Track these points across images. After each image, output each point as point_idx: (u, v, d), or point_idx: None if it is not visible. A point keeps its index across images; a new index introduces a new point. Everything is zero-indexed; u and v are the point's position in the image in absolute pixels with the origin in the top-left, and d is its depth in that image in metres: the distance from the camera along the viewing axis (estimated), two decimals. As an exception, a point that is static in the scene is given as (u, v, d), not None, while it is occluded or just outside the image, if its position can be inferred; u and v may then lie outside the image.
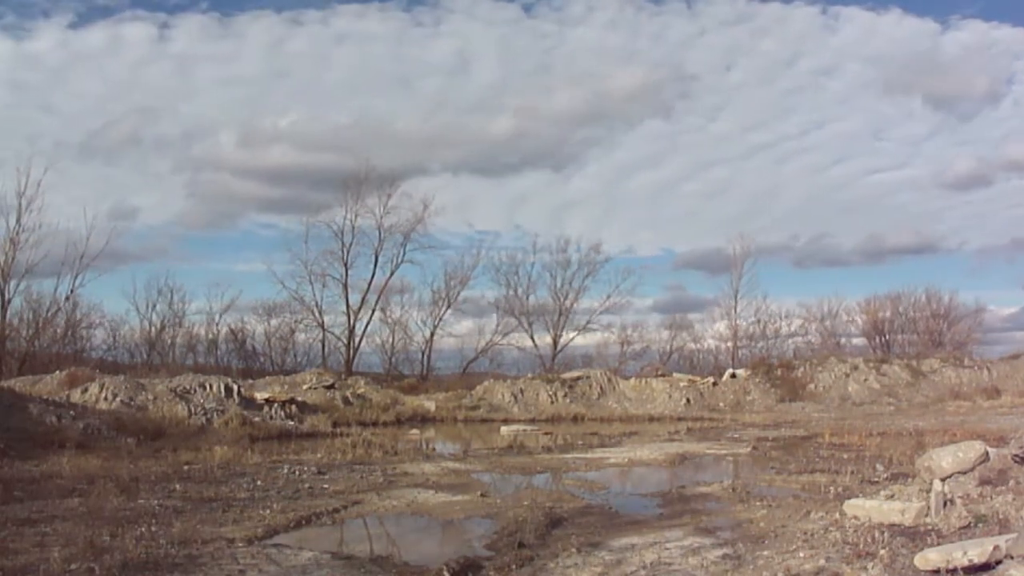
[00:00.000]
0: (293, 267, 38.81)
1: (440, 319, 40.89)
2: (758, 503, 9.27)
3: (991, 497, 6.79)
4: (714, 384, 30.75)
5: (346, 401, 25.47)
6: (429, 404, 27.10)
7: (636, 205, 70.93)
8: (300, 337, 40.13)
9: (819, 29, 71.75)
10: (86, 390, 19.61)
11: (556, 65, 71.74)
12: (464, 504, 9.94)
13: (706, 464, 14.52)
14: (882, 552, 6.02)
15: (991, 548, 5.17)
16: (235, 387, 21.85)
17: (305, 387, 25.84)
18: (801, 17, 71.32)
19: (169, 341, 38.56)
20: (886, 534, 6.51)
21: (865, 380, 31.05)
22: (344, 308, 39.15)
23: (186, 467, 12.60)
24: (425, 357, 40.90)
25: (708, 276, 79.44)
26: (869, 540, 6.41)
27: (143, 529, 7.64)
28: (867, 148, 72.69)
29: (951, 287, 45.77)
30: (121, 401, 19.18)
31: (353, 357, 38.86)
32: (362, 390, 27.09)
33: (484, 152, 68.34)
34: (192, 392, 20.78)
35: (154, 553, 6.71)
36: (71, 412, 16.85)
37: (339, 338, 39.36)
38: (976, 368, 32.08)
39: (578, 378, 30.76)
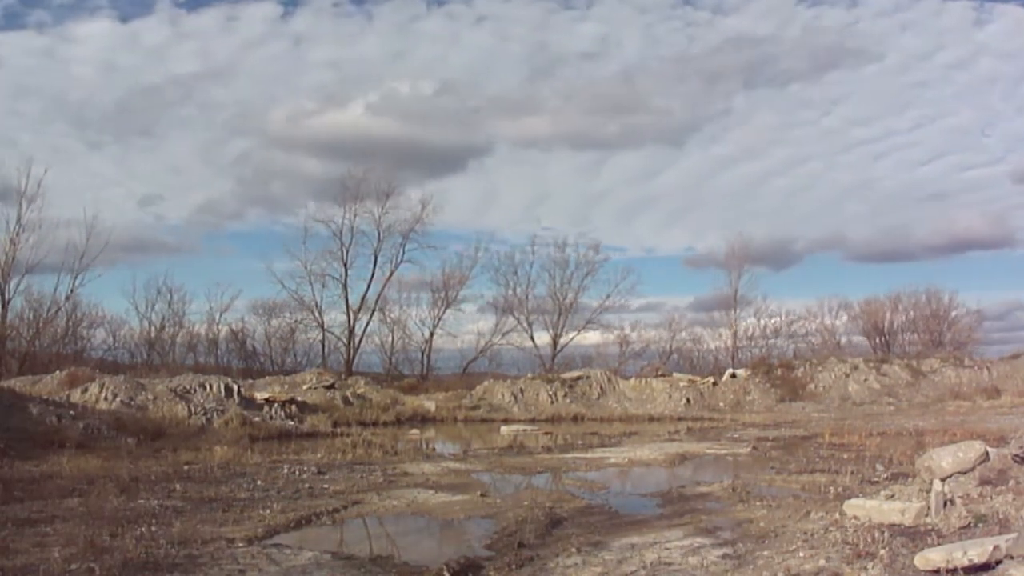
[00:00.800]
0: (292, 267, 38.89)
1: (440, 319, 40.94)
2: (758, 503, 9.26)
3: (991, 497, 6.78)
4: (714, 384, 30.76)
5: (346, 401, 25.47)
6: (429, 404, 27.10)
7: (722, 198, 71.15)
8: (300, 337, 40.20)
9: (968, 24, 71.55)
10: (86, 390, 19.61)
11: (694, 52, 71.78)
12: (464, 504, 9.93)
13: (706, 464, 14.52)
14: (882, 552, 6.02)
15: (991, 548, 5.17)
16: (235, 387, 21.85)
17: (305, 387, 25.85)
18: (955, 10, 70.73)
19: (169, 341, 38.62)
20: (886, 534, 6.51)
21: (865, 380, 31.05)
22: (344, 308, 39.25)
23: (186, 467, 12.60)
24: (425, 357, 40.97)
25: (771, 271, 75.47)
26: (869, 540, 6.41)
27: (143, 529, 7.64)
28: (972, 143, 72.56)
29: (951, 288, 45.55)
30: (121, 401, 19.18)
31: (353, 357, 38.91)
32: (362, 390, 27.10)
33: (588, 132, 69.17)
34: (192, 392, 20.78)
35: (154, 553, 6.71)
36: (71, 412, 16.85)
37: (339, 338, 39.43)
38: (976, 368, 32.07)
39: (578, 378, 30.77)
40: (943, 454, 7.44)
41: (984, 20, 74.39)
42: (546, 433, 20.85)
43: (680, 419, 25.13)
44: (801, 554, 6.29)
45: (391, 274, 39.93)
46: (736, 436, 18.99)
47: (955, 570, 5.16)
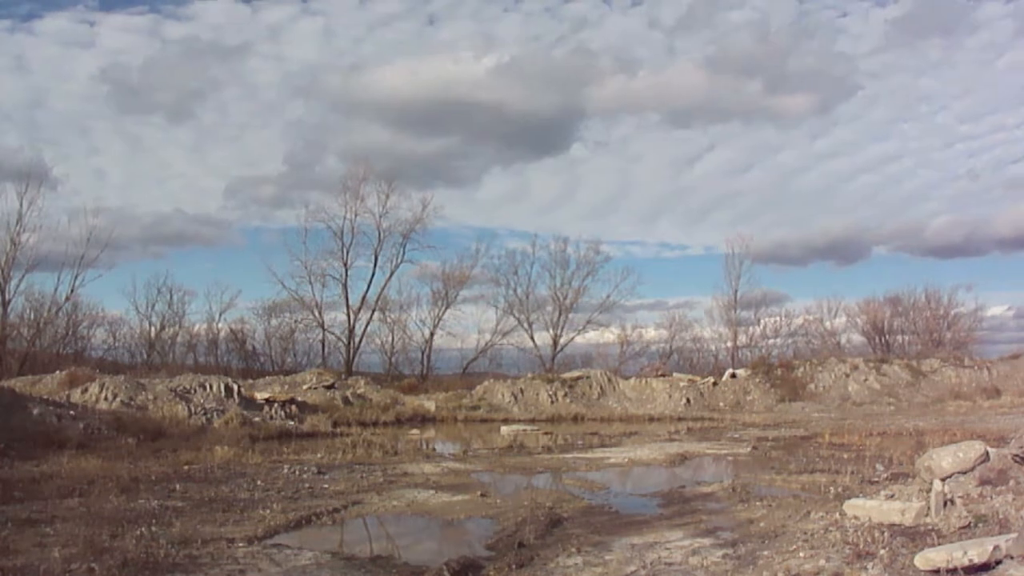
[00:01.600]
0: (293, 267, 38.88)
1: (440, 319, 40.94)
2: (758, 503, 9.26)
3: (991, 497, 6.78)
4: (714, 384, 30.74)
5: (346, 401, 25.47)
6: (429, 404, 27.09)
7: (804, 191, 72.22)
8: (300, 337, 40.19)
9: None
10: (86, 390, 19.61)
11: (809, 37, 72.18)
12: (464, 504, 9.94)
13: (706, 464, 14.53)
14: (882, 552, 6.02)
15: (991, 548, 5.17)
16: (235, 387, 21.86)
17: (305, 387, 25.86)
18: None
19: (169, 341, 38.62)
20: (886, 534, 6.51)
21: (865, 380, 31.04)
22: (344, 308, 39.25)
23: (186, 467, 12.60)
24: (425, 357, 40.93)
25: (838, 265, 73.59)
26: (869, 540, 6.40)
27: (143, 529, 7.63)
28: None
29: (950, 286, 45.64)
30: (121, 401, 19.18)
31: (353, 357, 38.87)
32: (362, 390, 27.10)
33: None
34: (192, 392, 20.78)
35: (154, 553, 6.71)
36: (71, 412, 16.86)
37: (339, 338, 39.39)
38: (976, 368, 32.06)
39: (578, 378, 30.77)
40: (943, 454, 7.44)
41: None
42: (546, 433, 20.85)
43: (680, 419, 25.12)
44: (801, 554, 6.29)
45: (391, 274, 39.99)
46: (736, 436, 18.99)
47: (955, 570, 5.16)
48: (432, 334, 40.73)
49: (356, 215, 38.88)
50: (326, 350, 39.48)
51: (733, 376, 31.78)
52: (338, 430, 20.11)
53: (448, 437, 21.88)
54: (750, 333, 43.50)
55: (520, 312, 42.05)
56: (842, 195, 74.62)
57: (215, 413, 19.56)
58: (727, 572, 6.15)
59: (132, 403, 19.24)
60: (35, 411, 15.95)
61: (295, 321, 39.67)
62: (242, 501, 9.68)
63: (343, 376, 30.33)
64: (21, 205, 31.36)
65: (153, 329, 37.94)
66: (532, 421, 24.85)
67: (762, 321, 43.46)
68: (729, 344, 41.99)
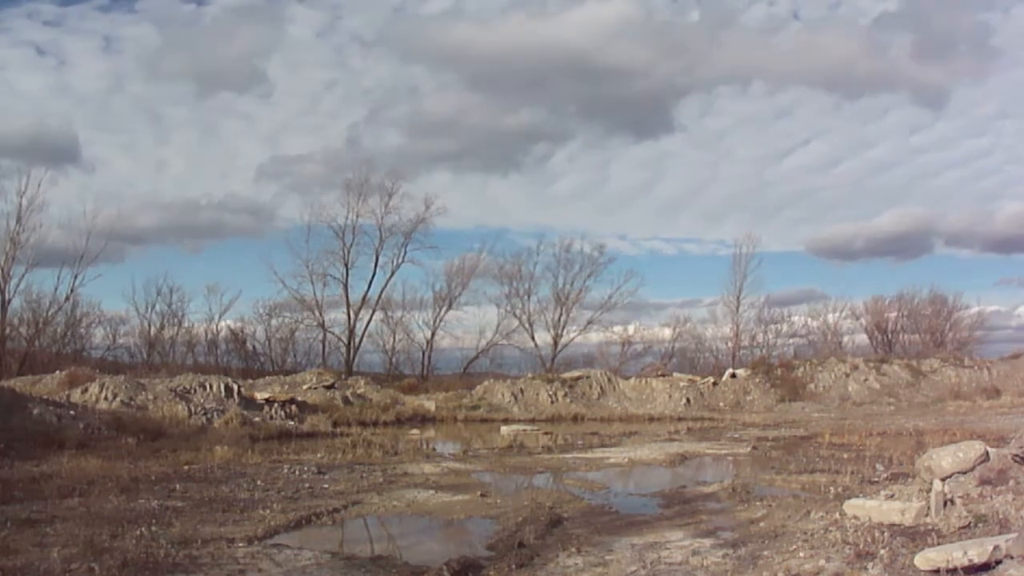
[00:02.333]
0: (294, 266, 38.89)
1: (441, 319, 40.93)
2: (758, 503, 9.27)
3: (991, 497, 6.78)
4: (714, 384, 30.74)
5: (346, 401, 25.47)
6: (429, 404, 27.09)
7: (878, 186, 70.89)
8: (300, 337, 40.20)
9: None
10: (86, 390, 19.61)
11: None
12: (464, 504, 9.94)
13: (706, 464, 14.53)
14: (882, 552, 6.02)
15: (991, 548, 5.17)
16: (235, 387, 21.85)
17: (305, 387, 25.85)
18: None
19: (169, 341, 38.61)
20: (886, 534, 6.51)
21: (865, 380, 31.04)
22: (345, 308, 39.25)
23: (186, 467, 12.60)
24: (425, 357, 40.94)
25: (897, 261, 71.04)
26: (869, 540, 6.40)
27: (143, 529, 7.63)
28: None
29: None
30: (121, 401, 19.18)
31: (353, 357, 38.90)
32: (362, 390, 27.10)
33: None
34: (192, 392, 20.78)
35: (154, 553, 6.71)
36: (71, 412, 16.85)
37: (339, 338, 39.41)
38: (976, 368, 32.06)
39: (578, 378, 30.76)
40: (943, 454, 7.44)
41: None
42: (546, 433, 20.84)
43: (680, 419, 25.12)
44: (801, 554, 6.29)
45: (392, 274, 40.00)
46: (736, 436, 18.99)
47: (955, 570, 5.16)
48: (433, 334, 40.79)
49: (358, 215, 38.96)
50: (326, 350, 39.54)
51: (733, 376, 31.78)
52: (338, 430, 20.10)
53: (448, 437, 21.88)
54: (777, 331, 43.62)
55: (521, 312, 42.09)
56: (922, 190, 72.98)
57: (215, 413, 19.55)
58: (727, 572, 6.15)
59: (132, 403, 19.24)
60: (35, 411, 15.95)
61: (295, 321, 39.75)
62: (242, 501, 9.68)
63: (343, 376, 30.33)
64: (21, 204, 31.37)
65: (153, 329, 37.99)
66: (532, 421, 24.85)
67: (793, 319, 43.58)
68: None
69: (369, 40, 72.59)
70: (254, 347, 39.98)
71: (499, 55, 63.75)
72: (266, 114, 73.83)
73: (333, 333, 39.43)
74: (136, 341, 37.93)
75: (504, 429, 22.02)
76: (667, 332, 43.64)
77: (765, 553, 6.53)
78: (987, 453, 7.29)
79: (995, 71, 74.28)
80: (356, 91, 74.79)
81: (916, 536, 6.42)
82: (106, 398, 19.24)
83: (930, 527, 6.62)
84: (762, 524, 7.91)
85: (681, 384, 30.36)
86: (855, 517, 7.30)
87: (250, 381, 26.68)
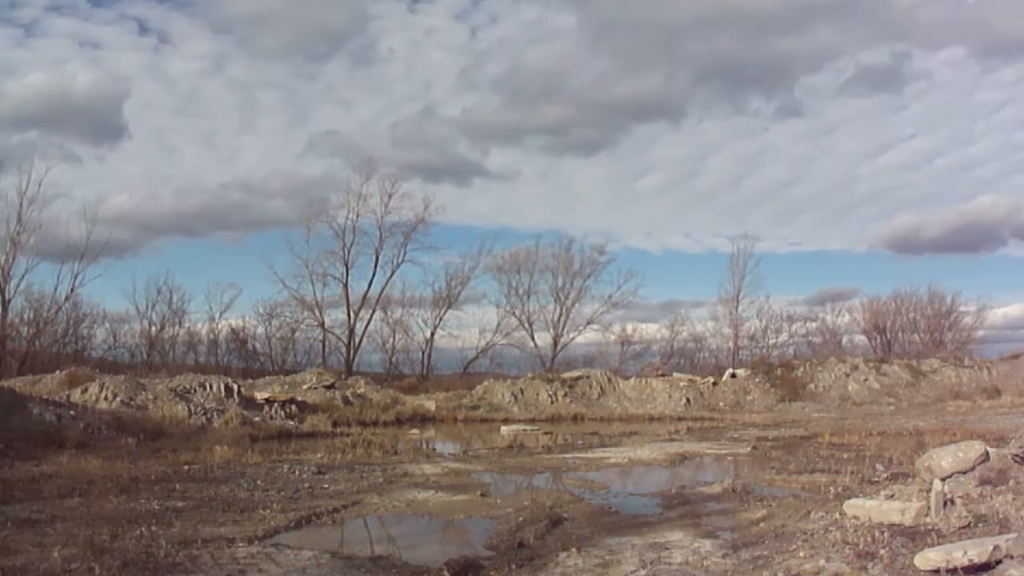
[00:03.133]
0: (294, 266, 38.91)
1: (440, 319, 40.94)
2: (758, 503, 9.27)
3: (991, 497, 6.79)
4: (714, 384, 30.75)
5: (346, 401, 25.47)
6: (429, 404, 27.10)
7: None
8: (300, 337, 40.21)
9: None
10: (86, 390, 19.61)
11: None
12: (464, 504, 9.93)
13: (706, 464, 14.53)
14: (882, 552, 6.02)
15: (991, 548, 5.17)
16: (235, 387, 21.86)
17: (305, 387, 25.85)
18: None
19: (169, 341, 38.63)
20: (886, 534, 6.51)
21: (865, 380, 31.05)
22: (345, 308, 39.26)
23: (186, 467, 12.60)
24: (425, 357, 40.96)
25: (970, 258, 71.11)
26: (869, 540, 6.40)
27: (143, 529, 7.63)
28: None
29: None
30: (121, 401, 19.18)
31: (353, 357, 38.93)
32: (362, 390, 27.10)
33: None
34: (192, 392, 20.79)
35: (154, 553, 6.71)
36: (71, 412, 16.85)
37: (339, 338, 39.44)
38: (976, 368, 32.07)
39: (578, 378, 30.78)
40: (943, 454, 7.44)
41: None
42: (546, 433, 20.84)
43: (680, 419, 25.12)
44: (801, 554, 6.29)
45: (392, 274, 40.01)
46: (736, 436, 18.99)
47: (955, 570, 5.16)
48: (433, 334, 40.79)
49: (358, 215, 38.98)
50: (326, 350, 39.59)
51: (733, 376, 31.80)
52: (338, 430, 20.11)
53: (448, 437, 21.89)
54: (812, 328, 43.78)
55: (521, 312, 42.09)
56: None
57: (215, 413, 19.56)
58: (727, 572, 6.15)
59: (132, 403, 19.24)
60: (35, 411, 15.95)
61: (295, 321, 39.76)
62: (242, 501, 9.67)
63: (343, 376, 30.35)
64: (21, 204, 31.38)
65: (153, 329, 38.00)
66: (532, 421, 24.85)
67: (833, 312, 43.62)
68: (730, 343, 41.98)
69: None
70: (254, 347, 40.06)
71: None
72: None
73: (333, 333, 39.51)
74: (137, 341, 38.01)
75: (504, 429, 22.02)
76: (666, 331, 43.72)
77: (765, 553, 6.53)
78: (987, 453, 7.29)
79: None
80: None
81: (916, 536, 6.42)
82: (106, 398, 19.24)
83: (930, 527, 6.62)
84: (762, 524, 7.91)
85: (681, 384, 30.37)
86: (855, 517, 7.30)
87: (250, 381, 26.69)
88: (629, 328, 42.98)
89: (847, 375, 31.41)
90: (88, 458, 12.58)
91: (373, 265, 39.48)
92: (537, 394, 28.77)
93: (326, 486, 11.07)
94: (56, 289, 32.70)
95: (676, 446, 16.66)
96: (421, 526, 8.92)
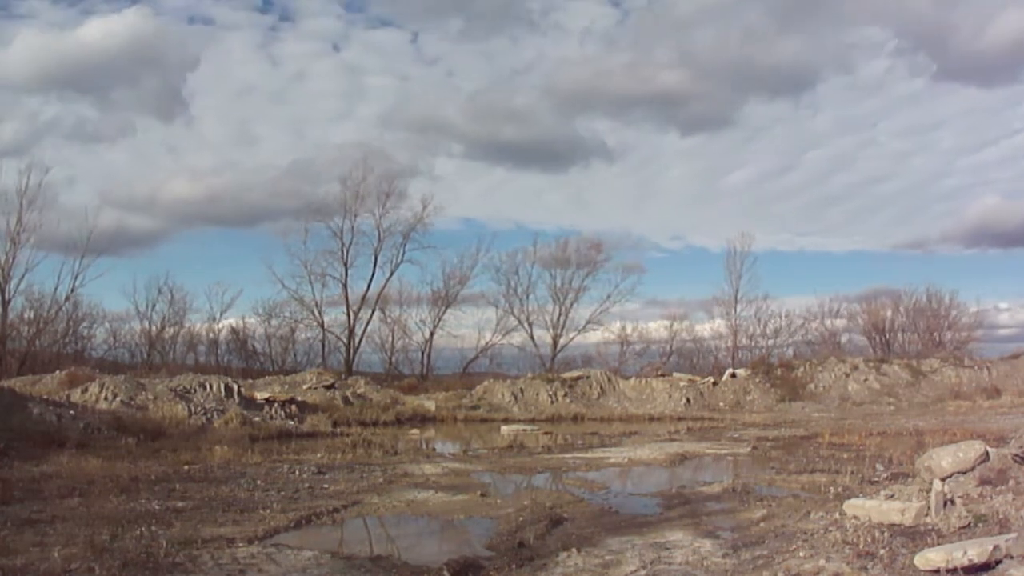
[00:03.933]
0: (293, 267, 38.91)
1: (440, 319, 40.94)
2: (758, 503, 9.27)
3: (991, 497, 6.79)
4: (714, 384, 30.76)
5: (346, 401, 25.47)
6: (429, 404, 27.09)
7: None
8: (300, 337, 40.22)
9: None
10: (86, 390, 19.61)
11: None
12: (464, 504, 9.93)
13: (706, 464, 14.53)
14: (882, 552, 6.02)
15: (991, 548, 5.17)
16: (235, 387, 21.85)
17: (305, 387, 25.85)
18: None
19: (169, 341, 38.63)
20: (886, 534, 6.51)
21: (865, 380, 31.06)
22: (344, 308, 39.27)
23: (186, 467, 12.59)
24: (425, 357, 40.97)
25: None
26: (869, 540, 6.40)
27: (143, 529, 7.63)
28: None
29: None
30: (121, 401, 19.18)
31: (353, 357, 38.93)
32: (362, 390, 27.10)
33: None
34: (192, 392, 20.78)
35: (154, 553, 6.71)
36: (71, 412, 16.85)
37: (339, 338, 39.44)
38: (976, 368, 32.07)
39: (578, 378, 30.78)
40: (943, 454, 7.44)
41: None
42: (546, 433, 20.82)
43: (680, 419, 25.11)
44: (801, 554, 6.29)
45: (391, 274, 40.02)
46: (736, 436, 18.98)
47: (955, 570, 5.16)
48: (432, 334, 40.80)
49: (356, 215, 38.98)
50: (326, 350, 39.60)
51: (733, 376, 31.80)
52: (338, 430, 20.10)
53: (448, 437, 21.88)
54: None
55: (520, 312, 42.09)
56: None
57: (215, 413, 19.55)
58: (727, 572, 6.15)
59: (132, 403, 19.24)
60: (35, 411, 15.95)
61: (295, 321, 39.77)
62: (242, 501, 9.67)
63: (343, 376, 30.35)
64: (21, 204, 31.40)
65: (153, 329, 38.00)
66: (532, 421, 24.84)
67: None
68: (730, 343, 41.96)
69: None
70: (254, 347, 40.07)
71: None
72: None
73: (333, 333, 39.51)
74: (137, 340, 38.02)
75: (504, 429, 22.01)
76: (665, 331, 43.69)
77: (765, 553, 6.53)
78: (987, 453, 7.28)
79: None
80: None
81: (916, 536, 6.42)
82: (106, 398, 19.23)
83: (930, 527, 6.62)
84: (762, 524, 7.91)
85: (681, 384, 30.37)
86: (855, 517, 7.30)
87: (250, 381, 26.68)
88: (629, 328, 43.02)
89: (847, 375, 31.41)
90: (88, 458, 12.57)
91: (372, 265, 39.55)
92: (537, 394, 28.77)
93: (326, 486, 11.06)
94: (56, 289, 32.77)
95: (676, 446, 16.66)
96: (421, 526, 8.91)
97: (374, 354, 41.22)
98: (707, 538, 7.40)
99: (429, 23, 78.36)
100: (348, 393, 26.25)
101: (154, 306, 37.89)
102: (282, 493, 10.36)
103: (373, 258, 39.45)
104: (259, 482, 11.23)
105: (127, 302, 38.87)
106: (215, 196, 58.87)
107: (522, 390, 28.99)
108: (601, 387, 30.16)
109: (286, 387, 25.68)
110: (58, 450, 13.34)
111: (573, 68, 68.99)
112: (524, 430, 21.61)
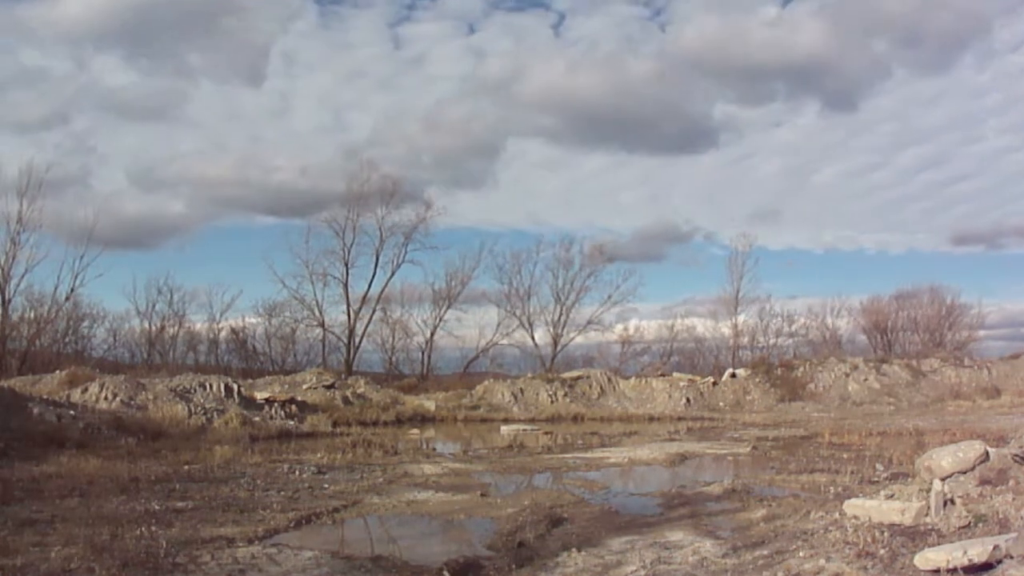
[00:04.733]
0: (294, 266, 38.90)
1: (441, 319, 40.92)
2: (758, 503, 9.27)
3: (991, 497, 6.78)
4: (714, 384, 30.76)
5: (346, 401, 25.46)
6: (429, 404, 27.09)
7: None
8: (300, 336, 40.19)
9: None
10: (86, 390, 19.60)
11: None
12: (464, 504, 9.93)
13: (706, 464, 14.53)
14: (882, 552, 6.02)
15: (991, 548, 5.17)
16: (235, 387, 21.85)
17: (305, 387, 25.84)
18: None
19: (169, 340, 38.59)
20: (886, 534, 6.51)
21: (865, 380, 31.06)
22: (345, 308, 39.26)
23: (186, 467, 12.59)
24: (425, 356, 40.94)
25: None
26: (869, 540, 6.40)
27: (143, 529, 7.63)
28: None
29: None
30: (121, 401, 19.17)
31: (353, 357, 38.89)
32: (362, 390, 27.09)
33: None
34: (192, 392, 20.78)
35: (154, 553, 6.71)
36: (71, 412, 16.85)
37: (339, 338, 39.40)
38: (976, 368, 32.09)
39: (578, 378, 30.77)
40: (943, 454, 7.44)
41: None
42: (546, 433, 20.84)
43: (680, 419, 25.13)
44: (801, 554, 6.29)
45: (392, 274, 40.01)
46: (736, 436, 18.99)
47: (955, 570, 5.15)
48: (433, 334, 40.77)
49: (358, 215, 38.96)
50: (326, 350, 39.53)
51: (733, 376, 31.80)
52: (338, 430, 20.11)
53: (448, 437, 21.88)
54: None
55: (521, 312, 42.05)
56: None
57: (215, 413, 19.55)
58: (727, 572, 6.14)
59: (132, 403, 19.24)
60: (35, 411, 15.95)
61: (295, 321, 39.75)
62: (242, 501, 9.67)
63: (343, 376, 30.32)
64: (21, 204, 31.35)
65: (153, 328, 37.97)
66: (532, 421, 24.85)
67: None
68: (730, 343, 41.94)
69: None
70: (254, 347, 40.03)
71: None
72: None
73: (333, 333, 39.47)
74: (137, 340, 37.99)
75: (504, 429, 22.02)
76: (665, 331, 43.66)
77: (765, 553, 6.52)
78: (987, 453, 7.28)
79: None
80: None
81: (916, 536, 6.42)
82: (106, 398, 19.23)
83: (930, 527, 6.62)
84: (762, 524, 7.91)
85: (681, 384, 30.37)
86: (855, 517, 7.30)
87: (250, 381, 26.67)
88: (630, 328, 42.99)
89: (847, 375, 31.41)
90: (88, 458, 12.58)
91: (373, 265, 39.54)
92: (537, 394, 28.77)
93: (326, 486, 11.07)
94: (56, 288, 32.70)
95: (676, 446, 16.66)
96: (421, 526, 8.91)
97: (374, 354, 41.24)
98: (707, 538, 7.40)
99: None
100: (348, 393, 26.24)
101: (154, 306, 37.92)
102: (282, 493, 10.36)
103: (375, 258, 39.49)
104: (259, 482, 11.23)
105: (127, 302, 38.83)
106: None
107: (522, 390, 28.99)
108: (601, 387, 30.16)
109: (286, 387, 25.67)
110: (58, 450, 13.36)
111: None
112: (524, 430, 21.63)
